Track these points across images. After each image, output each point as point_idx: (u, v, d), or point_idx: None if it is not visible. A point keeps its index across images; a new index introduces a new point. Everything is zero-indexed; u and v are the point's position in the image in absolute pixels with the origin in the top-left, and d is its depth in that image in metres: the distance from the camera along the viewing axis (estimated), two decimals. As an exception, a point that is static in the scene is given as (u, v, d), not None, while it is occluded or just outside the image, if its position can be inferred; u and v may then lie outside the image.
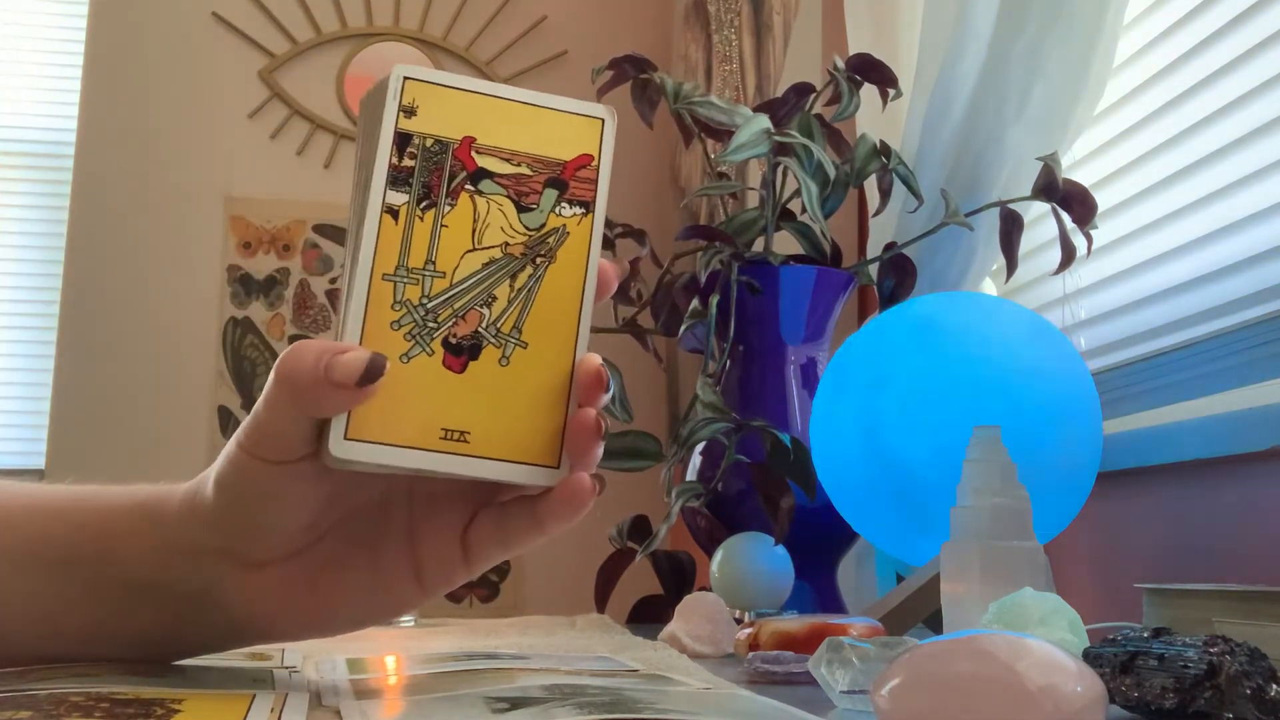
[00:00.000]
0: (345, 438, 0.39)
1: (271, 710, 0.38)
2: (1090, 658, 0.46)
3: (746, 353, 1.14)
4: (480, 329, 0.41)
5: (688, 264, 1.30)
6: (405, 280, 0.41)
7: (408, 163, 0.42)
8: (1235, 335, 0.92)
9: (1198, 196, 0.99)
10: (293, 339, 2.78)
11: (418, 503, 0.45)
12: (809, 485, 0.97)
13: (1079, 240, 1.06)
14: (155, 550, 0.45)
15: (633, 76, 1.23)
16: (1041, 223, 1.17)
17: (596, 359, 0.42)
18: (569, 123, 0.44)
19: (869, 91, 1.19)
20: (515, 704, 0.39)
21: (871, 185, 1.21)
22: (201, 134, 2.82)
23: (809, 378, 1.12)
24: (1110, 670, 0.45)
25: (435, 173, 0.42)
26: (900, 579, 0.99)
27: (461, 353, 0.41)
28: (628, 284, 1.23)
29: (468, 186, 0.42)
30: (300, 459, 0.41)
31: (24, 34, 2.83)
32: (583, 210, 0.43)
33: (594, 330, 0.44)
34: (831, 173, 1.10)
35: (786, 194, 1.17)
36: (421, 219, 0.41)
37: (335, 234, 2.84)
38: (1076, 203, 1.05)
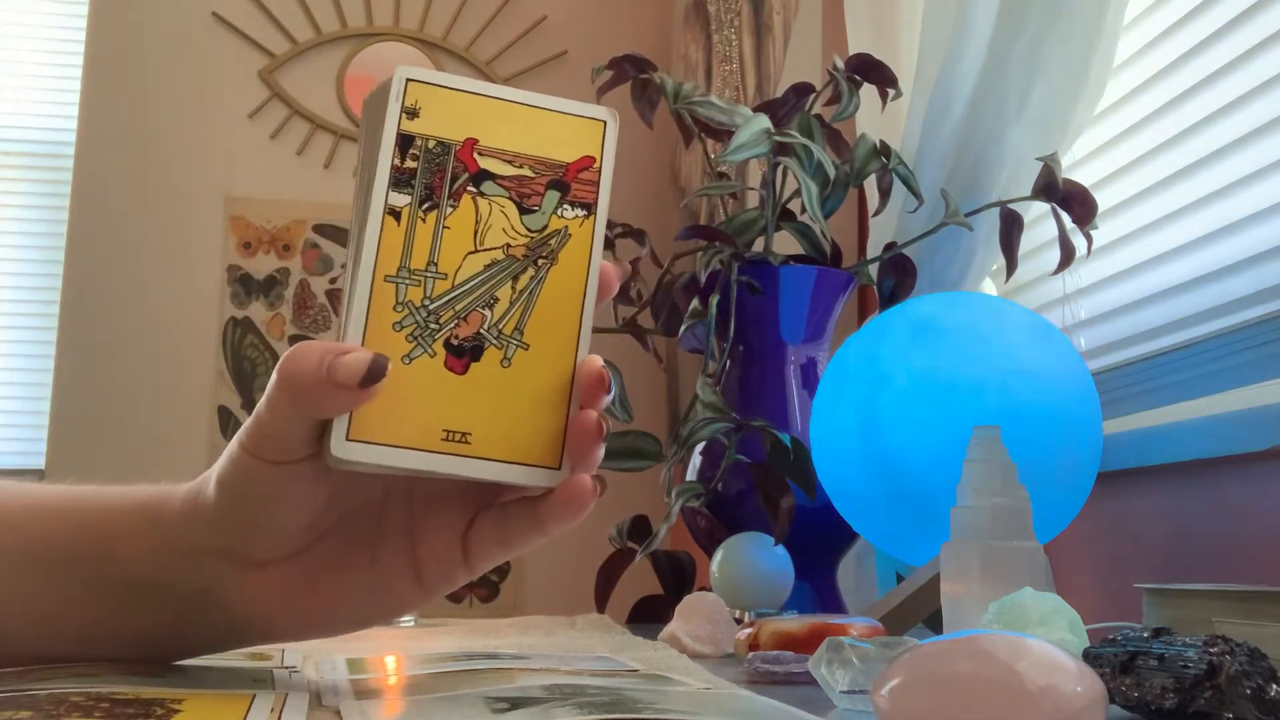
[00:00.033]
0: (347, 438, 0.39)
1: (271, 710, 0.38)
2: (1090, 658, 0.46)
3: (746, 353, 1.14)
4: (482, 330, 0.42)
5: (688, 264, 1.30)
6: (407, 281, 0.41)
7: (410, 164, 0.42)
8: (1235, 335, 0.92)
9: (1198, 196, 0.99)
10: (293, 339, 2.78)
11: (418, 503, 0.45)
12: (809, 485, 0.97)
13: (1079, 240, 1.06)
14: (155, 550, 0.45)
15: (633, 76, 1.23)
16: (1041, 223, 1.17)
17: (598, 360, 0.42)
18: (571, 125, 0.44)
19: (869, 91, 1.19)
20: (515, 704, 0.39)
21: (871, 185, 1.21)
22: (201, 134, 2.82)
23: (809, 378, 1.12)
24: (1110, 670, 0.45)
25: (437, 174, 0.42)
26: (900, 579, 0.99)
27: (463, 354, 0.41)
28: (628, 284, 1.23)
29: (470, 188, 0.42)
30: (302, 459, 0.41)
31: (24, 34, 2.83)
32: (584, 212, 0.43)
33: (594, 330, 0.44)
34: (831, 173, 1.10)
35: (786, 194, 1.17)
36: (424, 220, 0.41)
37: (335, 234, 2.84)
38: (1076, 203, 1.05)
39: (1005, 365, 0.83)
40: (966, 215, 1.10)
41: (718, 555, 0.93)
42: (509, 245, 0.42)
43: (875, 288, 1.18)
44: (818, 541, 1.05)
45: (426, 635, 0.82)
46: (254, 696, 0.41)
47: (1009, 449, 0.64)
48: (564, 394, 0.42)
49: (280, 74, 2.89)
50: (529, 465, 0.41)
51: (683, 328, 1.12)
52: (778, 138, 1.07)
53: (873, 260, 1.18)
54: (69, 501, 0.47)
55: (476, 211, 0.42)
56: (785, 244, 1.19)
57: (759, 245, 1.16)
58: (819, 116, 1.17)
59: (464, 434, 0.41)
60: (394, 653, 0.61)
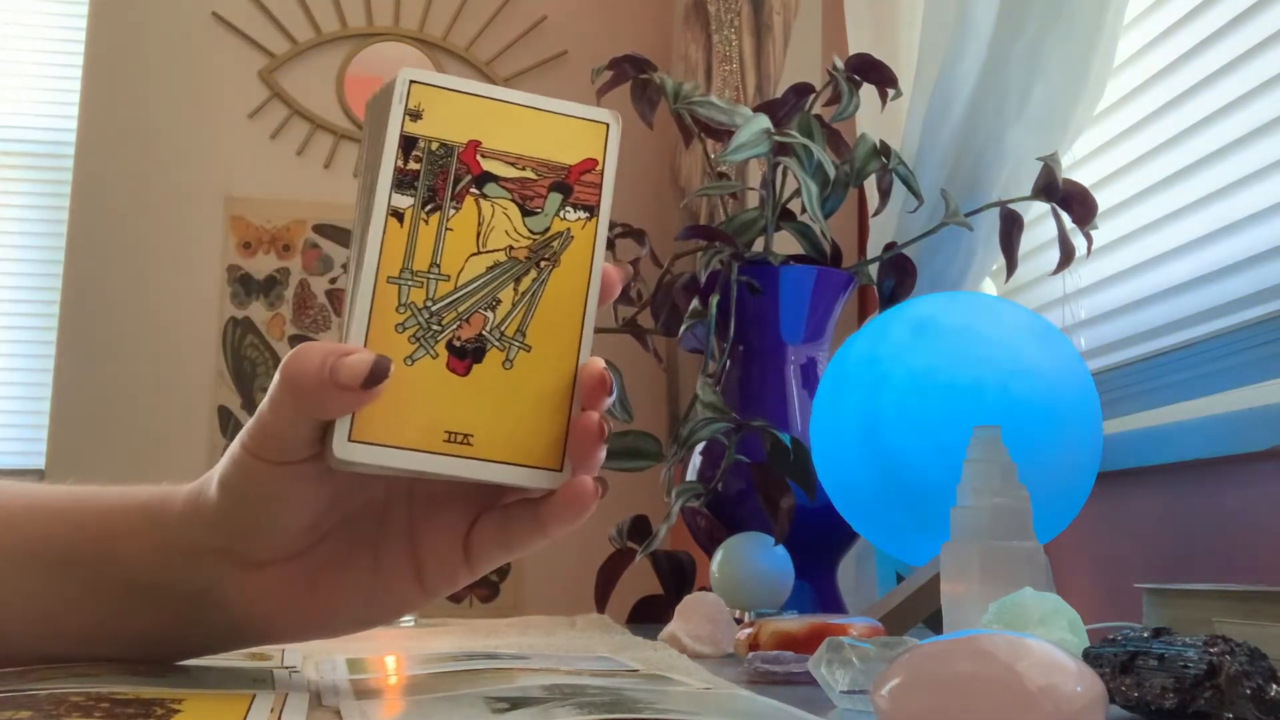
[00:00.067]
0: (349, 439, 0.40)
1: (271, 710, 0.38)
2: (1090, 658, 0.46)
3: (746, 353, 1.14)
4: (484, 332, 0.42)
5: (688, 264, 1.30)
6: (410, 283, 0.41)
7: (413, 166, 0.42)
8: (1235, 335, 0.92)
9: (1198, 196, 0.99)
10: (293, 339, 2.78)
11: (419, 504, 0.45)
12: (809, 485, 0.97)
13: (1079, 240, 1.06)
14: (156, 550, 0.45)
15: (633, 76, 1.23)
16: (1041, 223, 1.17)
17: (600, 363, 0.42)
18: (574, 127, 0.44)
19: (869, 91, 1.19)
20: (515, 704, 0.39)
21: (871, 185, 1.21)
22: (201, 134, 2.82)
23: (809, 378, 1.12)
24: (1110, 670, 0.45)
25: (440, 176, 0.42)
26: (900, 579, 0.99)
27: (465, 355, 0.41)
28: (628, 284, 1.23)
29: (473, 190, 0.42)
30: (304, 460, 0.41)
31: (24, 34, 2.83)
32: (587, 214, 0.43)
33: (594, 331, 0.44)
34: (831, 173, 1.10)
35: (786, 194, 1.17)
36: (426, 222, 0.41)
37: (335, 234, 2.84)
38: (1076, 203, 1.05)
39: (1005, 365, 0.83)
40: (966, 215, 1.10)
41: (718, 555, 0.93)
42: (511, 247, 0.42)
43: (875, 288, 1.18)
44: (818, 541, 1.05)
45: (426, 635, 0.82)
46: (254, 696, 0.41)
47: (1009, 449, 0.64)
48: (566, 396, 0.42)
49: (280, 74, 2.89)
50: (531, 467, 0.42)
51: (683, 328, 1.12)
52: (778, 138, 1.07)
53: (873, 260, 1.18)
54: (69, 501, 0.47)
55: (479, 213, 0.42)
56: (785, 244, 1.19)
57: (759, 245, 1.16)
58: (819, 116, 1.17)
59: (466, 435, 0.41)
60: (394, 653, 0.61)
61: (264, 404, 0.40)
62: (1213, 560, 0.86)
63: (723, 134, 1.18)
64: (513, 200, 0.43)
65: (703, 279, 1.14)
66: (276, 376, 0.40)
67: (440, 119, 0.42)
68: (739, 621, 0.82)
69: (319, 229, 2.84)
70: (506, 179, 0.43)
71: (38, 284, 2.75)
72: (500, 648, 0.66)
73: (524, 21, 2.94)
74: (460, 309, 0.41)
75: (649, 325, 1.25)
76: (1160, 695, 0.42)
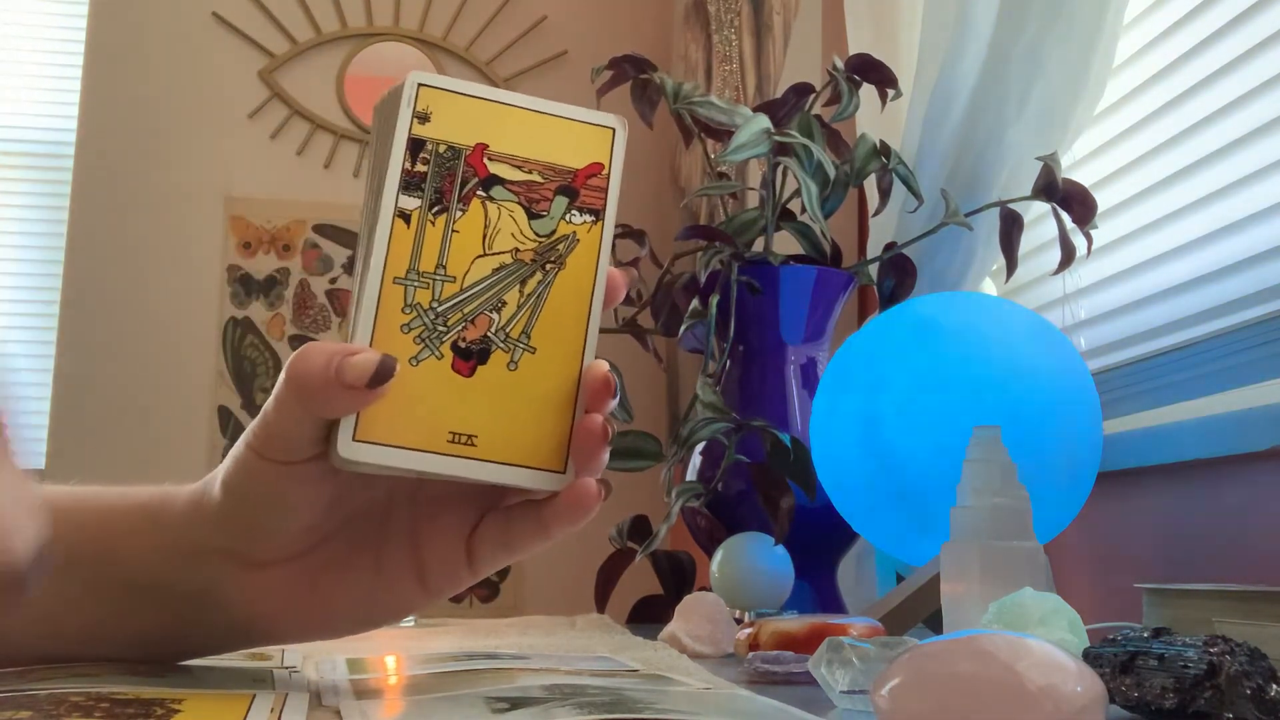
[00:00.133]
0: (354, 439, 0.40)
1: (271, 710, 0.38)
2: (1090, 658, 0.46)
3: (746, 353, 1.14)
4: (489, 333, 0.42)
5: (688, 264, 1.30)
6: (416, 284, 0.41)
7: (420, 168, 0.42)
8: (1235, 335, 0.92)
9: (1198, 196, 0.99)
10: (293, 339, 2.78)
11: (422, 505, 0.45)
12: (809, 485, 0.97)
13: (1079, 240, 1.06)
14: (156, 550, 0.45)
15: (633, 76, 1.23)
16: (1041, 223, 1.17)
17: (604, 365, 0.42)
18: (580, 131, 0.44)
19: (869, 91, 1.19)
20: (515, 704, 0.39)
21: (871, 185, 1.21)
22: (201, 134, 2.82)
23: (809, 378, 1.12)
24: (1110, 670, 0.45)
25: (448, 178, 0.42)
26: (900, 579, 0.99)
27: (470, 357, 0.41)
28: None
29: (479, 192, 0.42)
30: (308, 460, 0.41)
31: (24, 34, 2.83)
32: (593, 218, 0.43)
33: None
34: (831, 173, 1.10)
35: (786, 194, 1.17)
36: (433, 224, 0.42)
37: (335, 234, 2.84)
38: (1076, 203, 1.05)
39: (1005, 365, 0.83)
40: (966, 215, 1.10)
41: (718, 555, 0.93)
42: (517, 250, 0.42)
43: (875, 288, 1.18)
44: (818, 541, 1.05)
45: (426, 635, 0.82)
46: (254, 696, 0.41)
47: (1009, 449, 0.64)
48: (570, 398, 0.42)
49: (280, 74, 2.89)
50: (534, 468, 0.42)
51: (683, 328, 1.12)
52: (778, 138, 1.07)
53: (873, 260, 1.18)
54: (69, 502, 0.47)
55: (485, 216, 0.42)
56: (785, 244, 1.19)
57: (759, 245, 1.16)
58: (819, 116, 1.17)
59: (470, 436, 0.41)
60: (394, 653, 0.61)
61: (269, 403, 0.41)
62: (1213, 560, 0.86)
63: (723, 134, 1.18)
64: (519, 203, 0.43)
65: (703, 279, 1.14)
66: (282, 376, 0.40)
67: (448, 122, 0.42)
68: (739, 621, 0.82)
69: (319, 229, 2.84)
70: (513, 182, 0.43)
71: (38, 284, 2.75)
72: (500, 648, 0.66)
73: (524, 21, 2.94)
74: (466, 310, 0.42)
75: (649, 325, 1.25)
76: (1160, 695, 0.42)
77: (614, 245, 0.44)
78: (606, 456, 0.42)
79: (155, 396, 2.69)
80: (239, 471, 0.42)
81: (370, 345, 0.40)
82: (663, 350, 1.86)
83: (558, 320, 0.42)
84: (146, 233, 2.76)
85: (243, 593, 0.44)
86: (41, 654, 0.46)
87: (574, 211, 0.43)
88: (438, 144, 0.42)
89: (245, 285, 2.80)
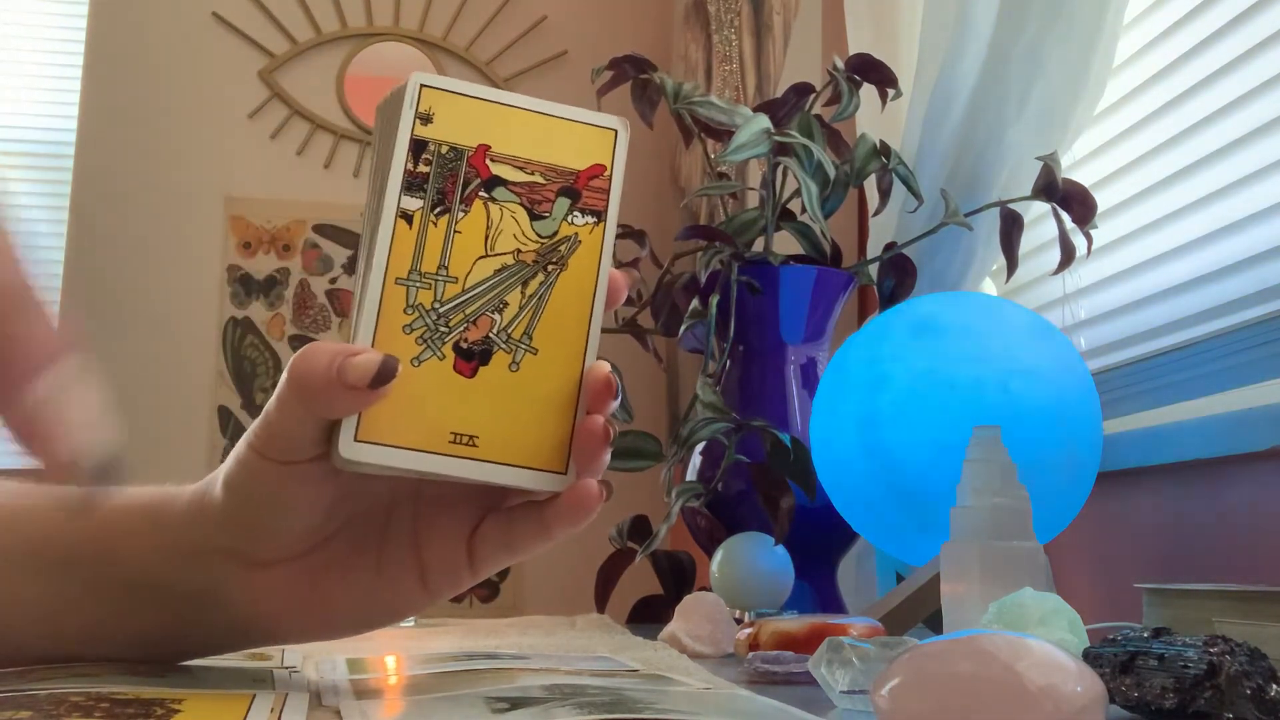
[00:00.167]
0: (355, 439, 0.40)
1: (271, 710, 0.38)
2: (1090, 658, 0.46)
3: (746, 353, 1.14)
4: (491, 334, 0.42)
5: (688, 264, 1.30)
6: (418, 285, 0.41)
7: (423, 169, 0.42)
8: (1235, 335, 0.92)
9: (1198, 196, 0.99)
10: (293, 339, 2.78)
11: (424, 506, 0.45)
12: (809, 485, 0.97)
13: (1079, 240, 1.06)
14: (157, 550, 0.45)
15: (633, 76, 1.23)
16: (1041, 223, 1.17)
17: (606, 366, 0.43)
18: (583, 133, 0.44)
19: (869, 91, 1.19)
20: (515, 704, 0.39)
21: (871, 185, 1.21)
22: (201, 134, 2.82)
23: (809, 378, 1.12)
24: (1110, 670, 0.45)
25: (450, 179, 0.42)
26: (900, 579, 0.99)
27: (472, 357, 0.41)
28: (627, 284, 1.23)
29: (482, 193, 0.42)
30: (310, 460, 0.41)
31: (24, 34, 2.83)
32: (594, 219, 0.43)
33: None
34: (831, 173, 1.10)
35: (786, 194, 1.17)
36: (435, 224, 0.42)
37: (335, 234, 2.84)
38: (1076, 203, 1.05)
39: (1005, 365, 0.83)
40: (966, 215, 1.10)
41: (718, 555, 0.93)
42: (519, 251, 0.43)
43: (875, 288, 1.18)
44: (818, 541, 1.05)
45: (426, 635, 0.82)
46: (254, 696, 0.41)
47: (1009, 449, 0.64)
48: (571, 399, 0.42)
49: (280, 74, 2.89)
50: (535, 469, 0.42)
51: (683, 328, 1.12)
52: (778, 138, 1.07)
53: (873, 260, 1.18)
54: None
55: (488, 217, 0.42)
56: (785, 244, 1.19)
57: (759, 245, 1.16)
58: (819, 116, 1.17)
59: (471, 437, 0.41)
60: (394, 653, 0.61)
61: (271, 403, 0.41)
62: (1213, 560, 0.86)
63: (723, 134, 1.18)
64: (521, 204, 0.43)
65: (703, 279, 1.14)
66: (284, 376, 0.40)
67: (450, 123, 0.42)
68: (739, 621, 0.82)
69: (319, 229, 2.84)
70: (515, 183, 0.43)
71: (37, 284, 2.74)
72: (500, 648, 0.66)
73: (524, 21, 2.95)
74: (468, 311, 0.42)
75: (649, 325, 1.25)
76: (1160, 695, 0.42)
77: (614, 246, 0.44)
78: (608, 457, 0.42)
79: (155, 396, 2.69)
80: (240, 471, 0.42)
81: (372, 346, 0.40)
82: (663, 350, 1.86)
83: (560, 321, 0.43)
84: (146, 233, 2.76)
85: (244, 593, 0.44)
86: (41, 654, 0.46)
87: (576, 213, 0.43)
88: (440, 145, 0.42)
89: (245, 285, 2.80)
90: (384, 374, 0.39)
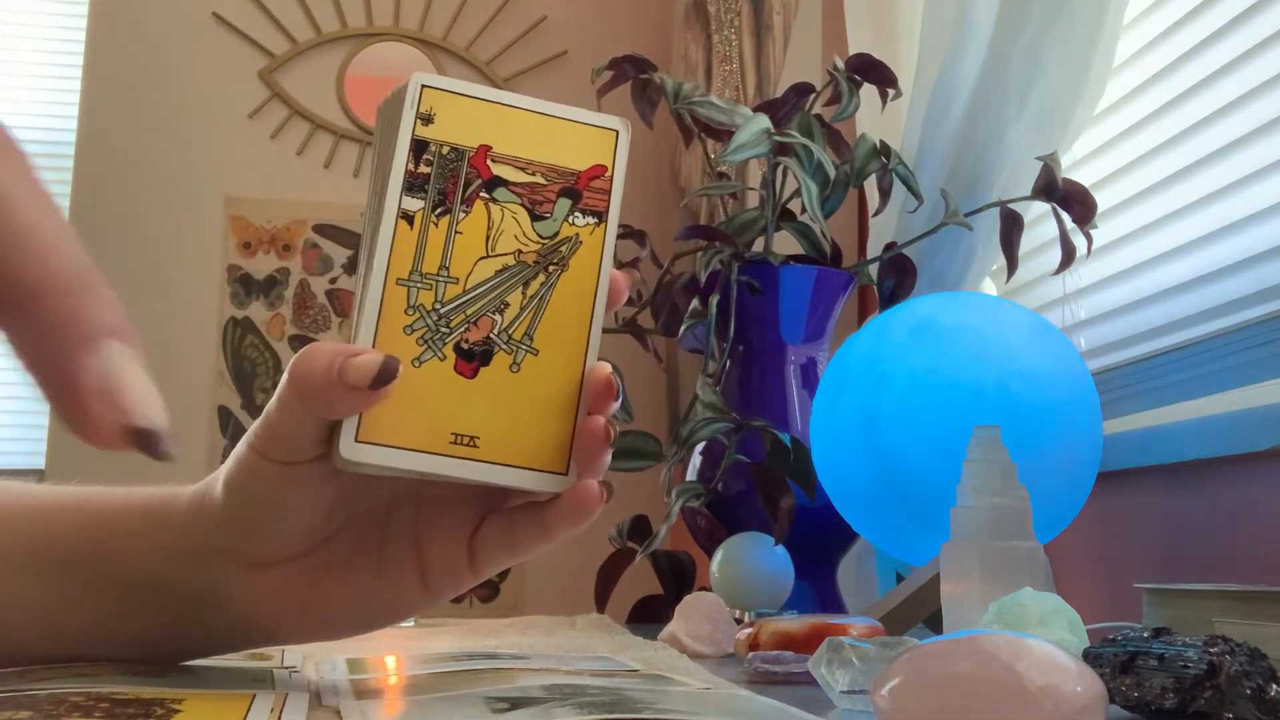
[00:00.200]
0: (356, 440, 0.40)
1: (271, 710, 0.38)
2: (1090, 658, 0.46)
3: (746, 353, 1.14)
4: (492, 335, 0.42)
5: (688, 264, 1.30)
6: (419, 285, 0.41)
7: (424, 169, 0.42)
8: (1235, 335, 0.92)
9: (1198, 196, 0.99)
10: (293, 339, 2.78)
11: (425, 507, 0.45)
12: (809, 485, 0.98)
13: (1079, 240, 1.06)
14: (157, 550, 0.45)
15: (633, 76, 1.23)
16: (1041, 223, 1.17)
17: (607, 367, 0.43)
18: (584, 133, 0.44)
19: (869, 91, 1.19)
20: (515, 704, 0.39)
21: (871, 185, 1.21)
22: (201, 134, 2.82)
23: (809, 378, 1.13)
24: (1110, 670, 0.45)
25: (451, 180, 0.42)
26: (900, 579, 0.99)
27: (473, 358, 0.41)
28: (627, 284, 1.23)
29: (482, 194, 0.42)
30: (310, 460, 0.41)
31: (24, 34, 2.83)
32: (595, 220, 0.43)
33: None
34: (831, 173, 1.10)
35: (786, 194, 1.17)
36: (436, 225, 0.42)
37: (335, 234, 2.84)
38: (1076, 203, 1.05)
39: (1005, 365, 0.83)
40: (966, 215, 1.10)
41: (718, 555, 0.93)
42: (520, 251, 0.42)
43: (875, 288, 1.18)
44: (818, 541, 1.05)
45: (426, 635, 0.82)
46: (254, 696, 0.41)
47: (1009, 449, 0.64)
48: (572, 400, 0.42)
49: (280, 74, 2.89)
50: (536, 470, 0.42)
51: (683, 328, 1.12)
52: (778, 138, 1.07)
53: (873, 260, 1.18)
54: (70, 502, 0.47)
55: (489, 217, 0.42)
56: (785, 244, 1.19)
57: (759, 245, 1.16)
58: (819, 116, 1.17)
59: (472, 438, 0.41)
60: (394, 653, 0.61)
61: (271, 404, 0.41)
62: (1213, 560, 0.86)
63: (723, 134, 1.18)
64: (522, 205, 0.43)
65: (703, 279, 1.14)
66: (284, 376, 0.40)
67: (451, 123, 0.42)
68: (739, 621, 0.82)
69: (319, 229, 2.84)
70: (516, 184, 0.43)
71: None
72: (500, 648, 0.66)
73: (524, 21, 2.95)
74: (468, 312, 0.42)
75: (649, 325, 1.25)
76: (1160, 695, 0.42)
77: (615, 246, 0.44)
78: (609, 458, 0.42)
79: (155, 396, 2.69)
80: (241, 472, 0.42)
81: (373, 346, 0.40)
82: (663, 350, 1.86)
83: (560, 322, 0.43)
84: (146, 233, 2.76)
85: (244, 593, 0.44)
86: (41, 654, 0.46)
87: (577, 213, 0.43)
88: (441, 145, 0.42)
89: (245, 285, 2.80)
90: (385, 375, 0.39)
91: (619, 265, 0.47)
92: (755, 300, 1.11)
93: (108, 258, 2.75)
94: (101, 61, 2.79)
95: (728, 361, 1.12)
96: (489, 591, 2.71)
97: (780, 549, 0.93)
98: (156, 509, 0.45)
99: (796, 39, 1.84)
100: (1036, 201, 1.07)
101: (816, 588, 1.08)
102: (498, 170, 0.43)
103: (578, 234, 0.43)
